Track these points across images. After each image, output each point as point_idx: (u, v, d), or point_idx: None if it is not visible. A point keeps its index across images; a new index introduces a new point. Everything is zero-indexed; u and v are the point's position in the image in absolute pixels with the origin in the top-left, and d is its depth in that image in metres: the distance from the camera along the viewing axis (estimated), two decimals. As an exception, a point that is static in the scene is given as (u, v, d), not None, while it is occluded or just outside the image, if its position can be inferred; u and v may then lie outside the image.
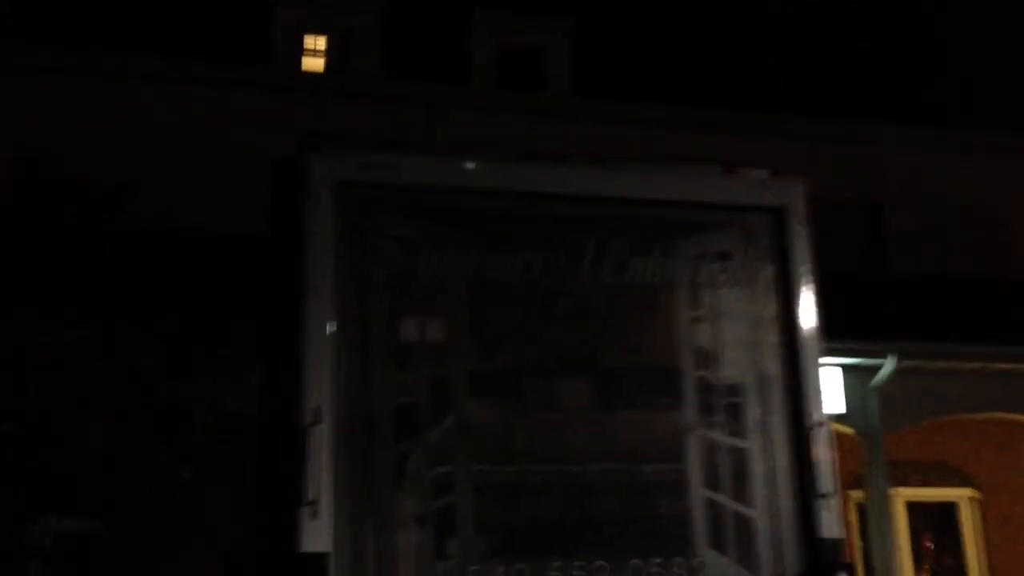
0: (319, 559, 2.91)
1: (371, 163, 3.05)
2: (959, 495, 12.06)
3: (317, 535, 2.92)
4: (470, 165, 3.27)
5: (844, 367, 9.17)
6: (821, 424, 3.42)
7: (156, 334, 6.34)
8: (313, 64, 13.90)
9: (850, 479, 9.75)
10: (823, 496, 3.37)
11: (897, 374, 9.24)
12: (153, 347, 6.28)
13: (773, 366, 3.47)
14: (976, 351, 9.55)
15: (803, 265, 3.50)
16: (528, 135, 8.70)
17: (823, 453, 3.42)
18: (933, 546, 11.94)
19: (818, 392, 3.45)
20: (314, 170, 3.00)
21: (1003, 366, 9.69)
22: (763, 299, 3.50)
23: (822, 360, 3.50)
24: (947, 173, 13.80)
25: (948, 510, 12.14)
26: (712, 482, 3.37)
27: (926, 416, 9.75)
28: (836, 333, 4.15)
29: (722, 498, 3.37)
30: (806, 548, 3.34)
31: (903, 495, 11.01)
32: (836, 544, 3.35)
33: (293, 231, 3.03)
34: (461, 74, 14.09)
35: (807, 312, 3.47)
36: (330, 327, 2.97)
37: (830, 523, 3.35)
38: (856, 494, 10.21)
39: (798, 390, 3.43)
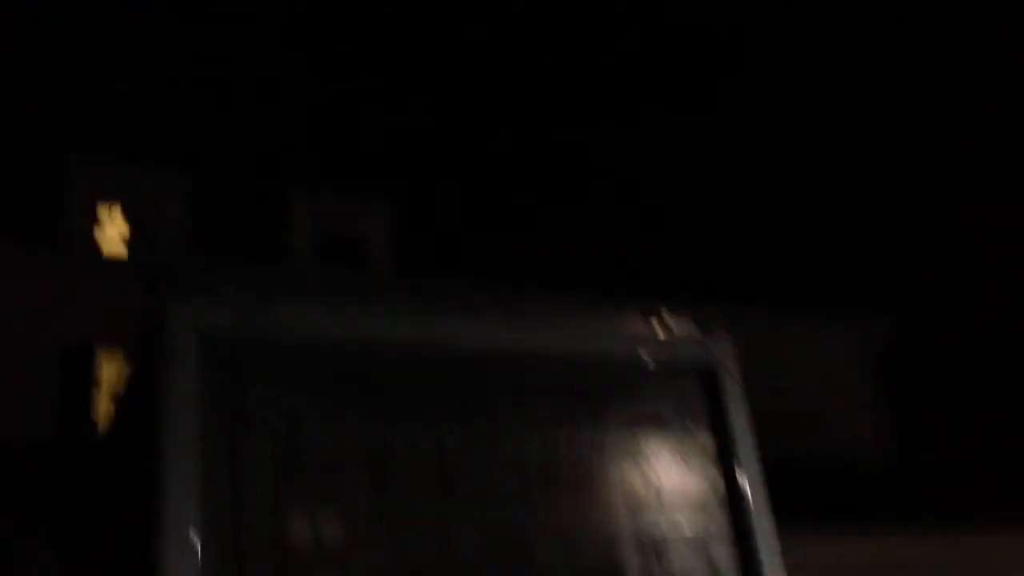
0: None
1: (247, 311, 2.40)
2: None
3: None
4: (368, 315, 2.68)
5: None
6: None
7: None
8: (111, 245, 12.84)
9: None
10: None
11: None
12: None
13: (718, 560, 2.94)
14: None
15: (743, 431, 3.08)
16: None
17: None
18: None
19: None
20: (174, 320, 2.30)
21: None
22: (704, 473, 3.02)
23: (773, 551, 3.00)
24: (759, 352, 14.24)
25: None
26: None
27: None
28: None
29: None
30: None
31: None
32: None
33: (140, 403, 2.28)
34: (277, 256, 13.46)
35: (754, 490, 3.01)
36: (192, 533, 2.18)
37: None
38: None
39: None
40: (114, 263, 12.35)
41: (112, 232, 12.91)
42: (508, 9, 16.59)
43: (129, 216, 13.19)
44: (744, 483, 3.00)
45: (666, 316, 3.12)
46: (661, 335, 3.09)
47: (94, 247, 12.61)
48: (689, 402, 3.09)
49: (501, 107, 15.55)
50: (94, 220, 12.82)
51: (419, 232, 14.61)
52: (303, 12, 15.81)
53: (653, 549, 2.81)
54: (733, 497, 2.98)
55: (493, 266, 14.33)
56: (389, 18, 15.90)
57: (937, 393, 16.48)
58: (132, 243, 12.82)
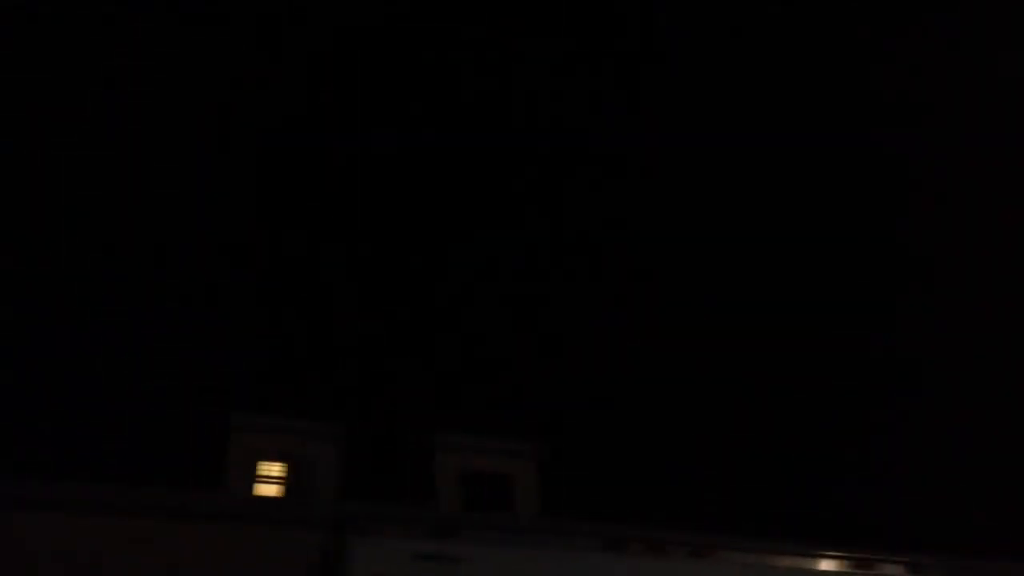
0: None
1: (426, 553, 2.38)
2: None
3: None
4: (548, 556, 2.61)
5: None
6: None
7: None
8: (268, 490, 13.24)
9: None
10: None
11: None
12: None
13: None
14: None
15: None
16: (496, 558, 7.97)
17: None
18: None
19: None
20: (355, 561, 2.30)
21: None
22: None
23: None
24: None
25: None
26: None
27: None
28: None
29: None
30: None
31: None
32: None
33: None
34: (423, 497, 13.49)
35: None
36: None
37: None
38: None
39: None
40: (272, 505, 12.66)
41: (270, 480, 13.35)
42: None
43: (286, 466, 13.66)
44: None
45: (879, 564, 2.90)
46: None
47: (254, 495, 13.03)
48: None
49: (645, 349, 15.74)
50: (254, 470, 13.32)
51: (567, 472, 14.44)
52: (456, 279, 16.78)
53: None
54: None
55: (639, 505, 13.91)
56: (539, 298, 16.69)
57: None
58: (288, 490, 13.18)
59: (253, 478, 13.37)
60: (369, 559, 2.04)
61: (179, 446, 13.42)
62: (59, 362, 14.01)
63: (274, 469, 13.57)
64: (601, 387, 15.53)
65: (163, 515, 11.33)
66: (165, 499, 11.63)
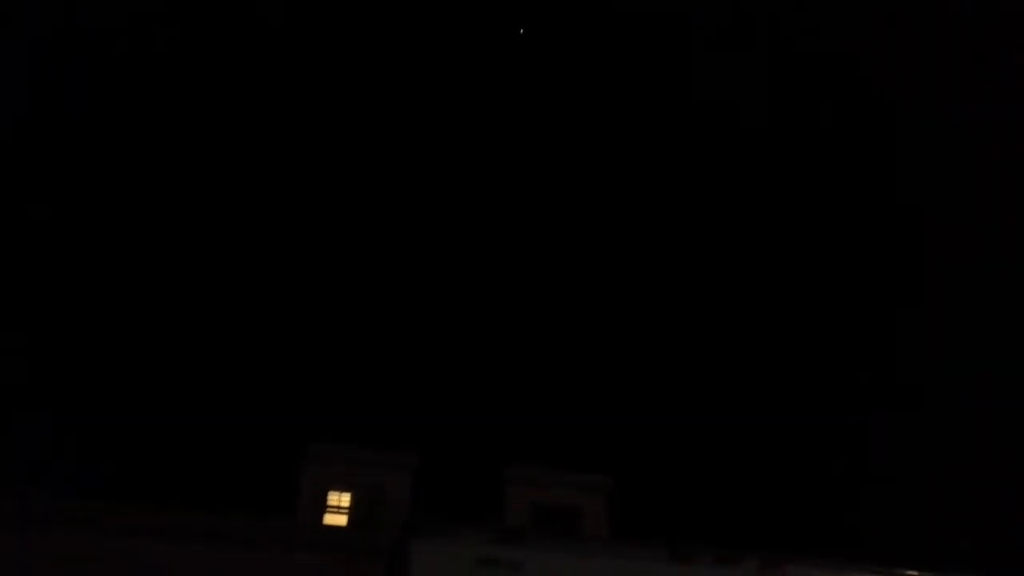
0: None
1: (489, 558, 2.32)
2: None
3: None
4: (614, 563, 2.52)
5: None
6: None
7: None
8: (337, 520, 13.23)
9: None
10: None
11: None
12: None
13: None
14: None
15: None
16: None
17: None
18: None
19: None
20: (416, 563, 2.25)
21: None
22: None
23: None
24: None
25: None
26: None
27: None
28: None
29: None
30: None
31: None
32: None
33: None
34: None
35: None
36: None
37: None
38: None
39: None
40: (342, 533, 12.67)
41: (339, 510, 13.36)
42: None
43: (357, 496, 13.66)
44: None
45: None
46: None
47: (323, 524, 13.07)
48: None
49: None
50: (324, 500, 13.35)
51: (637, 504, 14.20)
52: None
53: None
54: None
55: (709, 532, 13.62)
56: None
57: None
58: (359, 520, 13.15)
59: (323, 508, 13.38)
60: (437, 559, 1.98)
61: (253, 475, 13.58)
62: (133, 390, 14.36)
63: (344, 499, 13.56)
64: (668, 422, 15.30)
65: (233, 543, 11.43)
66: (235, 527, 11.74)
